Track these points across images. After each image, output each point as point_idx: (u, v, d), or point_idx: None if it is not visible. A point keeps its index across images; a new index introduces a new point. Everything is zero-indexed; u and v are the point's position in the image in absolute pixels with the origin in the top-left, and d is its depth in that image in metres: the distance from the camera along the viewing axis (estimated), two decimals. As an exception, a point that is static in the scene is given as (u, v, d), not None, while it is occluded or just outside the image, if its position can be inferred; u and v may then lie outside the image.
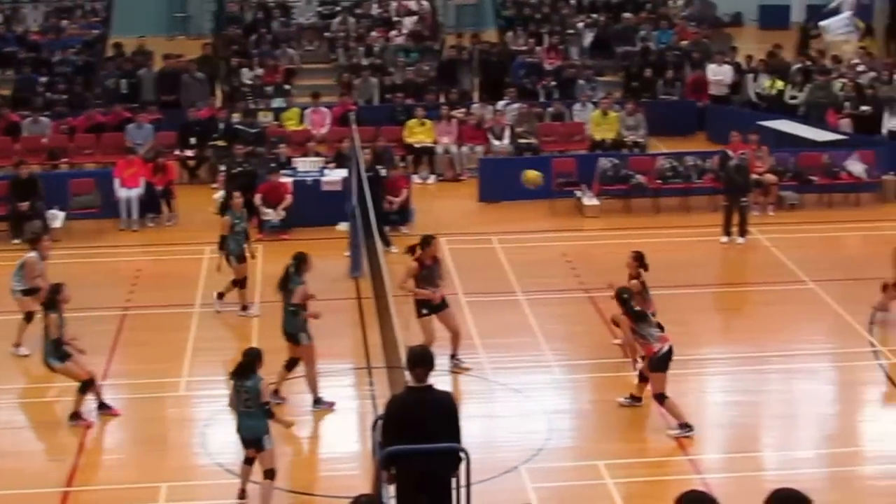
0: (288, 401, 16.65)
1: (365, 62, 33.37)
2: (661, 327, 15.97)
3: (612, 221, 25.36)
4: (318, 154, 27.16)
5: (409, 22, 36.01)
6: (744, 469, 15.17)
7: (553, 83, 32.54)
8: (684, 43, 35.04)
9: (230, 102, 31.02)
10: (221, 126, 28.49)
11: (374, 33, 34.96)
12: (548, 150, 29.04)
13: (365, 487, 12.05)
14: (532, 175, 22.15)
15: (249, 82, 31.84)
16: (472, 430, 14.04)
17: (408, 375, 11.05)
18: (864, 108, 29.44)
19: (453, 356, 17.93)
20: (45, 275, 18.76)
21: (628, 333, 16.12)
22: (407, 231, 24.05)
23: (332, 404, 16.77)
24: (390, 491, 10.93)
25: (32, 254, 18.99)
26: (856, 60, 32.60)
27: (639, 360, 16.54)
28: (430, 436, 10.73)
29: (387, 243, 21.75)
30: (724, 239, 23.73)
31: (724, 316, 21.34)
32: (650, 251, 17.88)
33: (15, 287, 18.84)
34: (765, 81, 31.81)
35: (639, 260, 17.24)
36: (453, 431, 10.93)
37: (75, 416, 16.35)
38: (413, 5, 36.90)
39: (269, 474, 13.87)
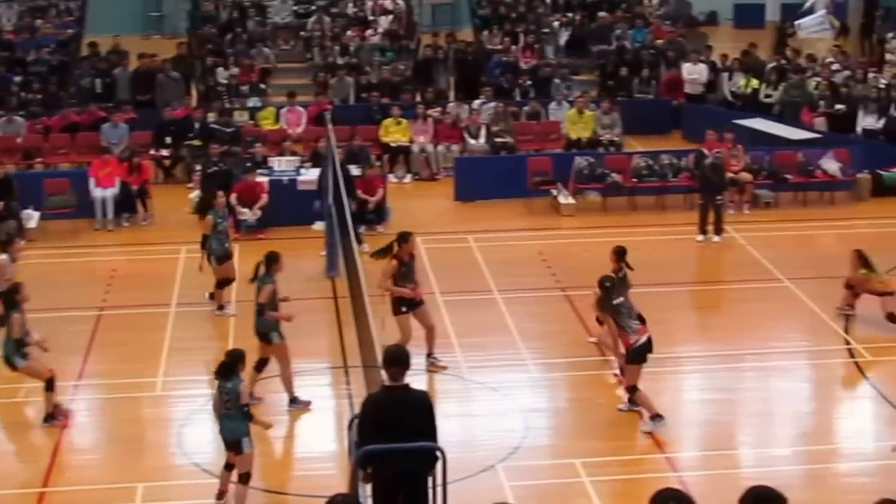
0: (264, 400, 16.62)
1: (340, 61, 33.33)
2: (641, 319, 15.93)
3: (588, 220, 25.38)
4: (293, 153, 27.11)
5: (384, 21, 35.95)
6: (720, 467, 15.20)
7: (529, 82, 32.55)
8: (660, 42, 35.11)
9: (205, 102, 30.95)
10: (197, 125, 28.44)
11: (349, 32, 34.90)
12: (524, 149, 29.04)
13: (341, 487, 12.03)
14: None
15: (225, 81, 31.75)
16: (449, 428, 14.05)
17: (384, 375, 11.06)
18: (838, 106, 29.55)
19: (429, 355, 17.93)
20: (14, 277, 18.59)
21: (612, 325, 16.04)
22: (382, 230, 24.03)
23: (308, 403, 16.74)
24: (367, 490, 10.92)
25: (3, 256, 18.90)
26: (830, 59, 32.73)
27: (620, 356, 16.53)
28: (406, 435, 10.73)
29: (358, 241, 21.72)
30: (700, 237, 23.79)
31: (700, 314, 21.40)
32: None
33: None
34: (740, 80, 31.90)
35: (617, 254, 17.04)
36: (429, 430, 10.93)
37: (50, 416, 16.28)
38: (388, 4, 36.83)
39: (244, 478, 13.82)
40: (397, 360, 11.03)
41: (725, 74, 32.34)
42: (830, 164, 26.71)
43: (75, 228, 25.00)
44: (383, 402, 10.98)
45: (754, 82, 31.52)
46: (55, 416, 16.28)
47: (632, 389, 15.89)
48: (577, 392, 17.45)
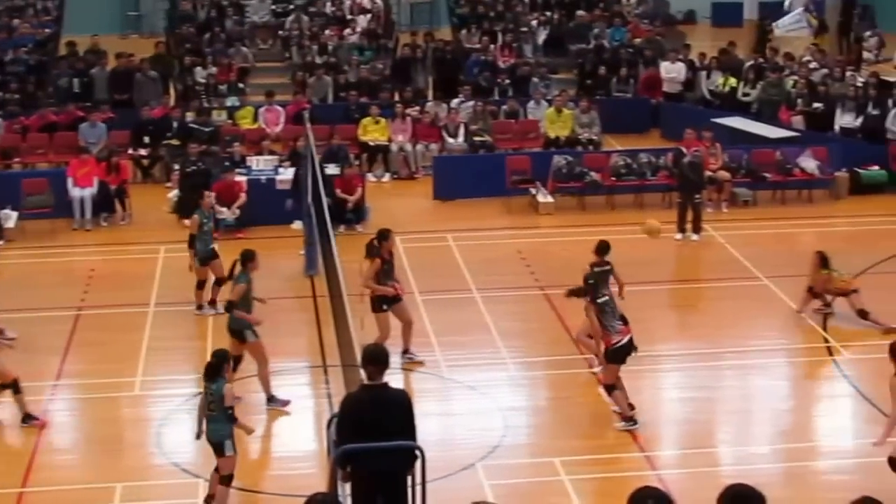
0: (243, 399, 16.55)
1: (319, 60, 33.30)
2: (624, 320, 15.93)
3: (567, 219, 25.41)
4: (272, 153, 27.06)
5: (363, 20, 35.92)
6: (698, 465, 15.23)
7: (507, 81, 32.58)
8: (638, 40, 35.16)
9: (184, 101, 30.88)
10: (175, 125, 28.38)
11: (328, 31, 34.86)
12: (502, 148, 29.05)
13: (320, 486, 12.01)
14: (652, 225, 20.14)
15: (203, 81, 31.68)
16: (428, 427, 14.06)
17: (363, 373, 11.05)
18: (816, 105, 29.62)
19: (405, 352, 17.93)
20: None
21: (595, 322, 16.01)
22: (362, 230, 24.01)
23: (286, 402, 16.72)
24: (346, 489, 10.92)
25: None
26: (808, 58, 32.81)
27: (599, 357, 16.51)
28: (385, 434, 10.73)
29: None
30: (679, 236, 23.82)
31: (679, 312, 21.44)
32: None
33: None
34: (718, 79, 31.97)
35: (599, 249, 16.69)
36: (409, 429, 10.93)
37: (28, 417, 16.22)
38: (367, 3, 36.80)
39: (226, 480, 13.78)
40: (376, 358, 11.03)
41: (703, 73, 32.39)
42: (808, 163, 26.78)
43: (53, 228, 24.91)
44: (362, 401, 10.98)
45: (732, 81, 31.59)
46: (31, 415, 16.22)
47: (609, 388, 15.91)
48: (556, 391, 17.47)
